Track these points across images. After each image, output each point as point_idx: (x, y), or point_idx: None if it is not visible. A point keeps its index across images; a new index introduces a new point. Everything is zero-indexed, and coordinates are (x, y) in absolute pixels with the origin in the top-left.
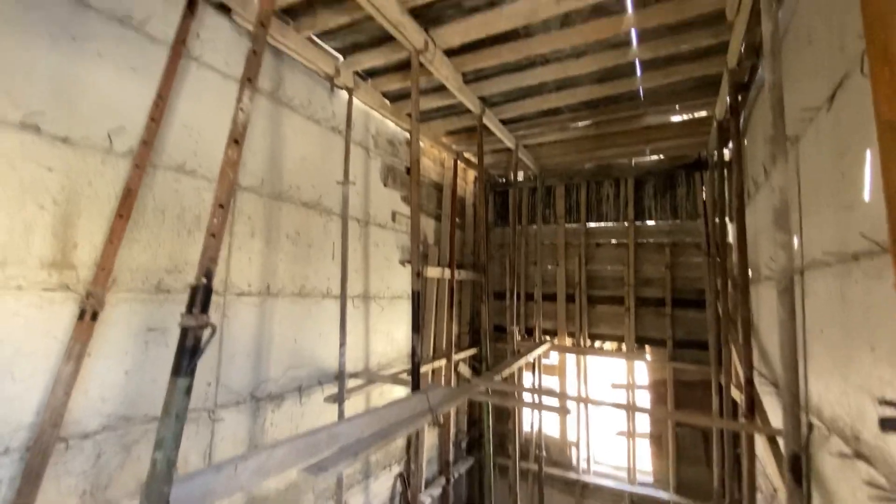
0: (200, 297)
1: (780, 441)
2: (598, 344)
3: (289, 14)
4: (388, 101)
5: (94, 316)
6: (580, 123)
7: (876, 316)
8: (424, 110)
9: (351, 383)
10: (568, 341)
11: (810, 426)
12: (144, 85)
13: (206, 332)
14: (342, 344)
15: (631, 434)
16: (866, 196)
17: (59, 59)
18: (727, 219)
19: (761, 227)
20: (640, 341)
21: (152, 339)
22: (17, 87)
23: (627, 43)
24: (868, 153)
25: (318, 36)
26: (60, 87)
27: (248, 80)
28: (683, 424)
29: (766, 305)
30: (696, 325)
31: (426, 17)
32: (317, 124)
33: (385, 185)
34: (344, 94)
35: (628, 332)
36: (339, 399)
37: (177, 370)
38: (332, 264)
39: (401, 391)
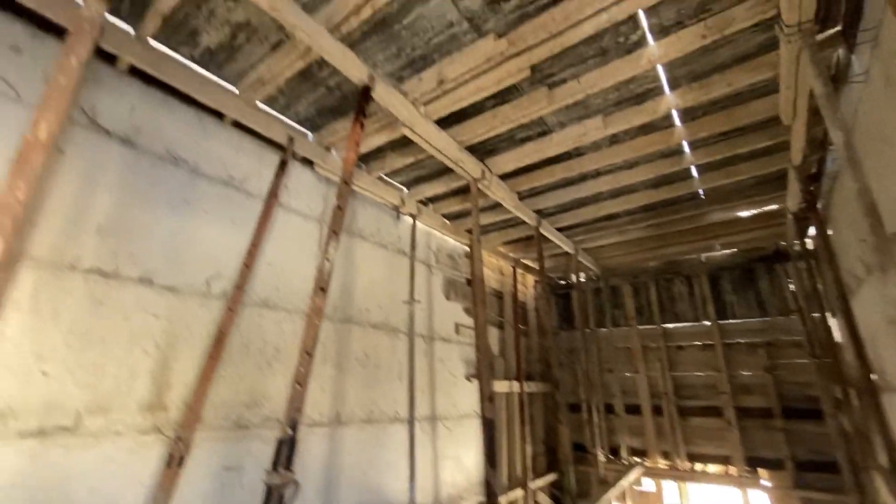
0: (286, 450)
1: None
2: (699, 466)
3: (362, 160)
4: (447, 221)
5: (181, 462)
6: (640, 226)
7: None
8: (483, 224)
9: None
10: (662, 463)
11: None
12: (240, 234)
13: (290, 490)
14: (412, 476)
15: None
16: None
17: (175, 220)
18: (828, 314)
19: (878, 327)
20: (752, 462)
21: (228, 480)
22: (139, 248)
23: (680, 152)
24: None
25: (385, 174)
26: (173, 244)
27: (334, 232)
28: None
29: None
30: (818, 442)
31: (482, 151)
32: (384, 249)
33: (447, 298)
34: (408, 219)
35: (735, 451)
36: None
37: None
38: (399, 385)
39: None
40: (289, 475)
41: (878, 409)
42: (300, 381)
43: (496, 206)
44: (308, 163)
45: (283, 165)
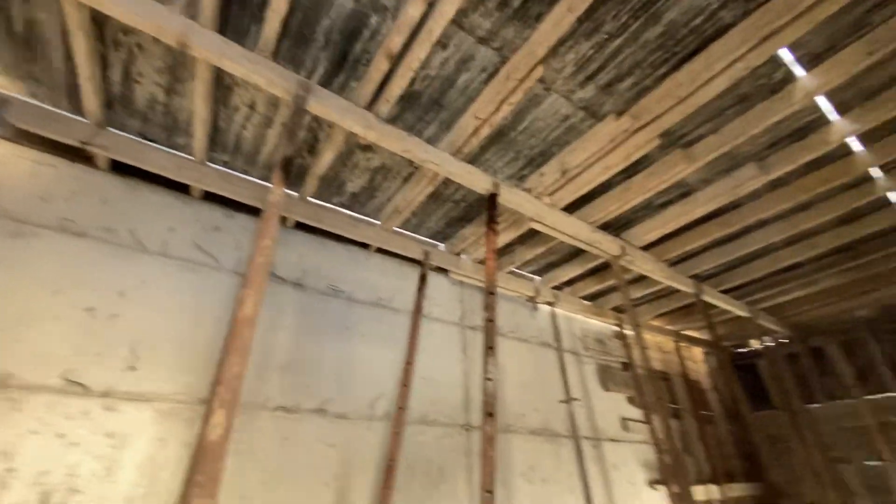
0: None
1: None
2: None
3: None
4: (587, 303)
5: None
6: (832, 271)
7: None
8: (631, 300)
9: None
10: None
11: None
12: (393, 351)
13: None
14: None
15: None
16: None
17: (338, 346)
18: None
19: None
20: None
21: None
22: (313, 380)
23: (869, 178)
24: None
25: (516, 268)
26: (339, 371)
27: (490, 348)
28: None
29: None
30: None
31: (617, 226)
32: (525, 343)
33: (605, 389)
34: (546, 308)
35: None
36: None
37: None
38: (573, 501)
39: None
40: None
41: None
42: None
43: (643, 279)
44: (442, 271)
45: (423, 279)
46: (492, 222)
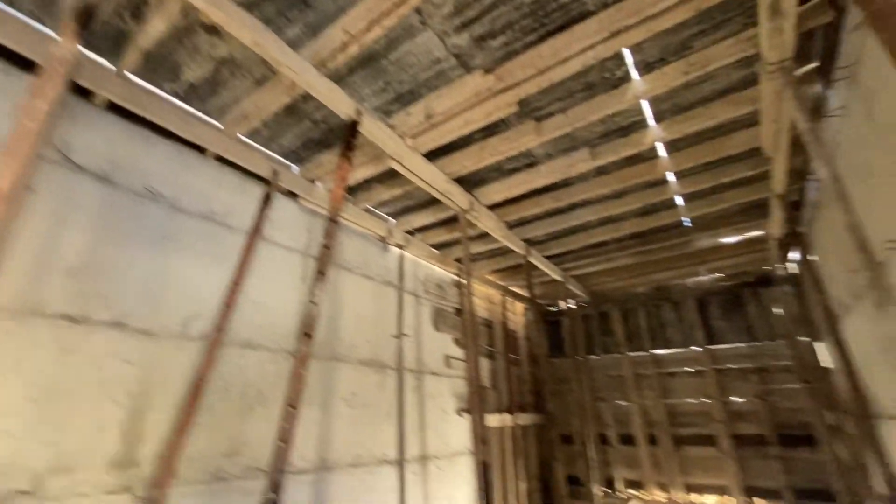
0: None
1: None
2: (695, 497)
3: (349, 192)
4: (435, 251)
5: None
6: (627, 252)
7: None
8: (471, 254)
9: None
10: (659, 495)
11: None
12: (221, 270)
13: None
14: None
15: None
16: None
17: (152, 258)
18: (816, 339)
19: (868, 353)
20: (749, 492)
21: None
22: (113, 289)
23: (665, 182)
24: None
25: (372, 206)
26: (149, 284)
27: (321, 272)
28: None
29: None
30: (815, 470)
31: (470, 182)
32: (371, 280)
33: (437, 329)
34: (395, 250)
35: (732, 480)
36: None
37: None
38: (388, 425)
39: None
40: None
41: (873, 437)
42: (284, 439)
43: (485, 236)
44: (292, 195)
45: (267, 199)
46: (348, 150)
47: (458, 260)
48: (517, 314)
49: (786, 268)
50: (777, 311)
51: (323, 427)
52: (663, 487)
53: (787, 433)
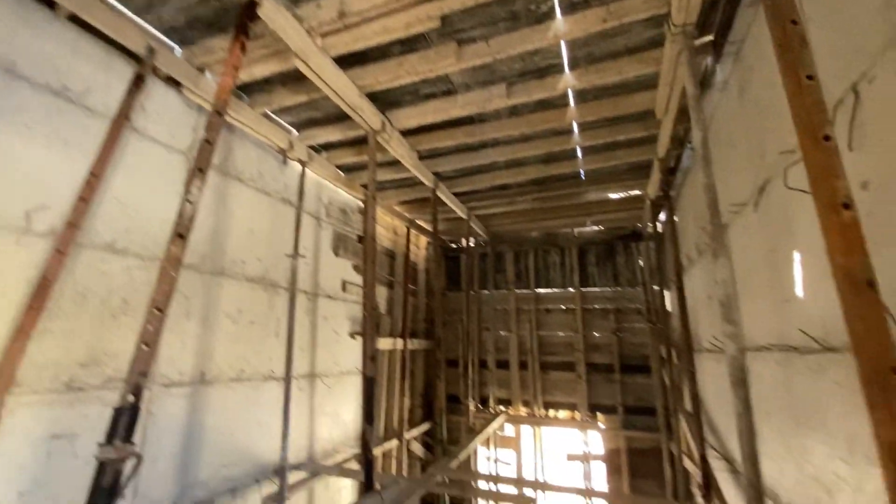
0: (125, 420)
1: None
2: (552, 412)
3: (244, 90)
4: (341, 173)
5: None
6: (527, 197)
7: (823, 411)
8: (379, 181)
9: (293, 477)
10: (523, 410)
11: None
12: (77, 160)
13: (129, 465)
14: (285, 436)
15: None
16: (800, 292)
17: None
18: (664, 288)
19: (698, 300)
20: (593, 409)
21: (57, 449)
22: None
23: (570, 131)
24: (796, 255)
25: (273, 111)
26: None
27: (200, 169)
28: (640, 489)
29: (709, 377)
30: (644, 391)
31: (384, 101)
32: (267, 196)
33: (336, 254)
34: (296, 166)
35: (581, 399)
36: (279, 499)
37: None
38: (276, 343)
39: (348, 484)
40: (127, 448)
41: (692, 372)
42: (147, 342)
43: (394, 163)
44: (175, 84)
45: (138, 81)
46: (243, 32)
47: (365, 186)
48: (420, 248)
49: (654, 226)
50: (640, 262)
51: (203, 342)
52: (527, 404)
53: (629, 363)
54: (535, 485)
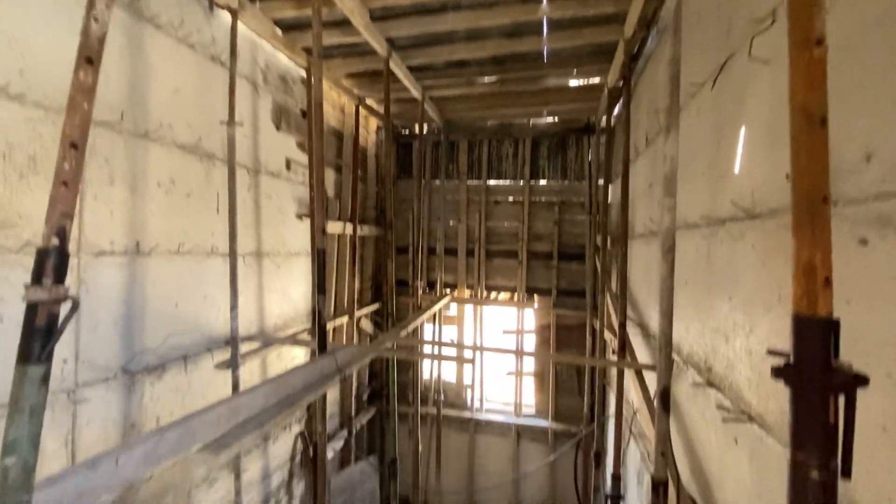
0: (53, 262)
1: (645, 373)
2: (493, 295)
3: None
4: (279, 31)
5: None
6: (486, 79)
7: (735, 272)
8: (325, 46)
9: (245, 347)
10: (467, 293)
11: (671, 361)
12: None
13: (65, 308)
14: (233, 307)
15: (518, 374)
16: (736, 169)
17: None
18: (609, 182)
19: (638, 191)
20: (530, 291)
21: None
22: None
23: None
24: (742, 130)
25: None
26: None
27: None
28: (563, 363)
29: (637, 260)
30: (577, 276)
31: None
32: (191, 50)
33: (278, 128)
34: (226, 16)
35: (520, 283)
36: (232, 365)
37: (26, 356)
38: (218, 218)
39: (300, 352)
40: (60, 289)
41: (625, 253)
42: (66, 181)
43: (343, 24)
44: None
45: None
46: None
47: (308, 50)
48: (370, 131)
49: (608, 119)
50: (589, 157)
51: (135, 211)
52: (471, 287)
53: (567, 252)
54: (474, 347)
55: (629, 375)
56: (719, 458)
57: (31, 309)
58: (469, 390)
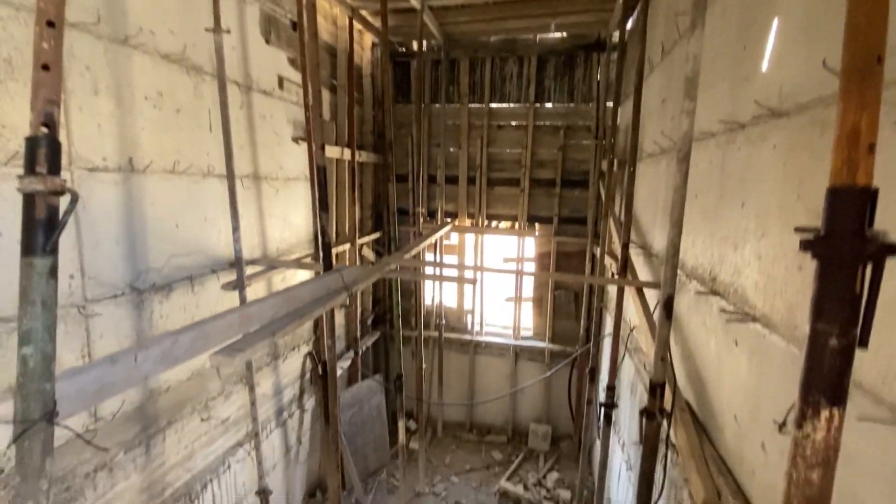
0: (45, 152)
1: (646, 291)
2: (494, 223)
3: None
4: None
5: None
6: None
7: (751, 177)
8: None
9: (249, 270)
10: (468, 222)
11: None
12: None
13: (65, 201)
14: (235, 228)
15: (518, 299)
16: (764, 66)
17: None
18: (618, 103)
19: (650, 108)
20: (532, 220)
21: None
22: None
23: None
24: (775, 22)
25: None
26: None
27: None
28: (560, 287)
29: (642, 182)
30: (579, 203)
31: None
32: None
33: (267, 41)
34: None
35: (522, 211)
36: (238, 286)
37: (30, 249)
38: (211, 137)
39: (305, 276)
40: (56, 180)
41: (633, 173)
42: (46, 63)
43: None
44: None
45: None
46: None
47: None
48: (365, 49)
49: (622, 33)
50: (598, 77)
51: (124, 126)
52: (472, 216)
53: (570, 178)
54: (475, 268)
55: (629, 294)
56: (718, 361)
57: (29, 200)
58: (469, 315)
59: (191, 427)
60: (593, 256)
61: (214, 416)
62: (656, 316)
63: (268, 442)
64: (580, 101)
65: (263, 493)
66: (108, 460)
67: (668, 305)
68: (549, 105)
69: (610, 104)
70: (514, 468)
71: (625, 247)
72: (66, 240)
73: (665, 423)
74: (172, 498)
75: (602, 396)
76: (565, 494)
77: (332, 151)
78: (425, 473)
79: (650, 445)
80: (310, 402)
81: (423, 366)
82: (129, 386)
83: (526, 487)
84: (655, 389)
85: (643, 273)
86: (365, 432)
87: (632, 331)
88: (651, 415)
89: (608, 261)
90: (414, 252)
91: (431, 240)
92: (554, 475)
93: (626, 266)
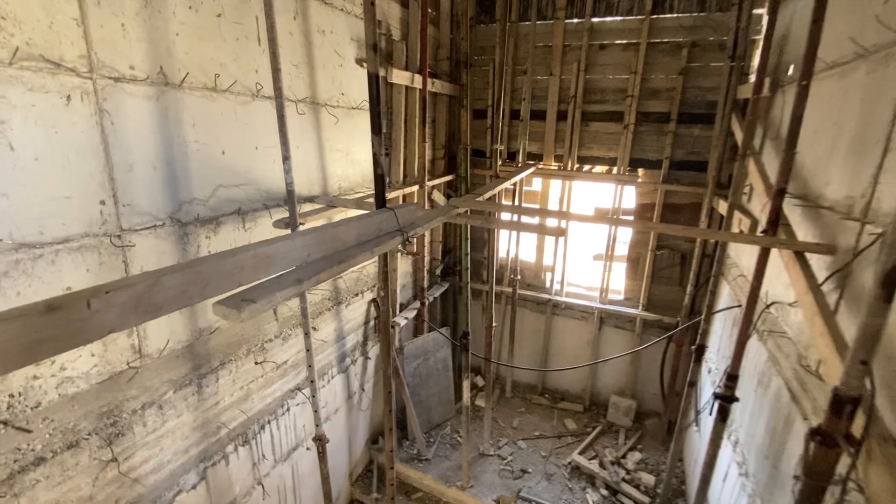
0: None
1: (809, 257)
2: (587, 168)
3: None
4: None
5: None
6: None
7: None
8: None
9: (306, 207)
10: (554, 165)
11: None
12: None
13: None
14: (286, 158)
15: (609, 256)
16: None
17: None
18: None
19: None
20: (634, 164)
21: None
22: None
23: None
24: None
25: None
26: None
27: None
28: (664, 246)
29: (816, 105)
30: (699, 144)
31: None
32: None
33: None
34: None
35: (623, 153)
36: (291, 224)
37: None
38: (261, 51)
39: None
40: None
41: (803, 92)
42: None
43: None
44: None
45: None
46: None
47: None
48: None
49: None
50: None
51: (154, 29)
52: (559, 159)
53: (690, 111)
54: (560, 215)
55: (778, 259)
56: None
57: None
58: (549, 273)
59: (246, 368)
60: (711, 210)
61: (270, 360)
62: (872, 291)
63: (329, 388)
64: (714, 10)
65: (320, 440)
66: (158, 397)
67: (889, 280)
68: (670, 16)
69: (759, 10)
70: (590, 441)
71: (778, 194)
72: (93, 161)
73: (846, 452)
74: (228, 437)
75: (708, 380)
76: (648, 479)
77: (400, 77)
78: (490, 434)
79: (819, 480)
80: (374, 350)
81: (494, 324)
82: (80, 343)
83: (602, 465)
84: (843, 405)
85: (801, 232)
86: (430, 384)
87: (767, 307)
88: (829, 440)
89: (737, 217)
90: (488, 196)
91: (510, 183)
92: (636, 455)
93: (776, 220)
